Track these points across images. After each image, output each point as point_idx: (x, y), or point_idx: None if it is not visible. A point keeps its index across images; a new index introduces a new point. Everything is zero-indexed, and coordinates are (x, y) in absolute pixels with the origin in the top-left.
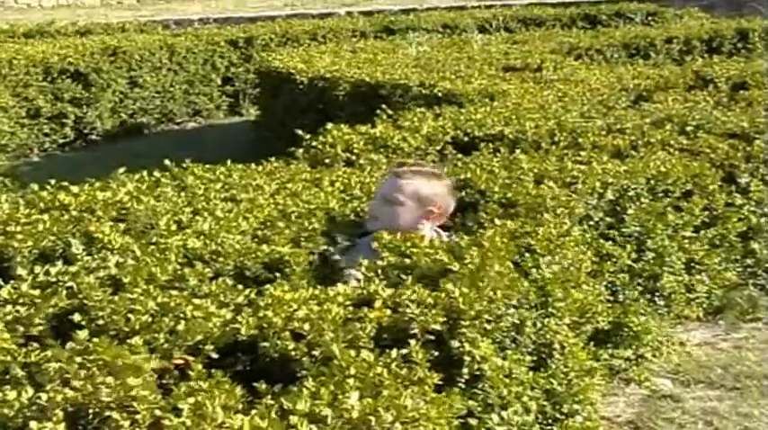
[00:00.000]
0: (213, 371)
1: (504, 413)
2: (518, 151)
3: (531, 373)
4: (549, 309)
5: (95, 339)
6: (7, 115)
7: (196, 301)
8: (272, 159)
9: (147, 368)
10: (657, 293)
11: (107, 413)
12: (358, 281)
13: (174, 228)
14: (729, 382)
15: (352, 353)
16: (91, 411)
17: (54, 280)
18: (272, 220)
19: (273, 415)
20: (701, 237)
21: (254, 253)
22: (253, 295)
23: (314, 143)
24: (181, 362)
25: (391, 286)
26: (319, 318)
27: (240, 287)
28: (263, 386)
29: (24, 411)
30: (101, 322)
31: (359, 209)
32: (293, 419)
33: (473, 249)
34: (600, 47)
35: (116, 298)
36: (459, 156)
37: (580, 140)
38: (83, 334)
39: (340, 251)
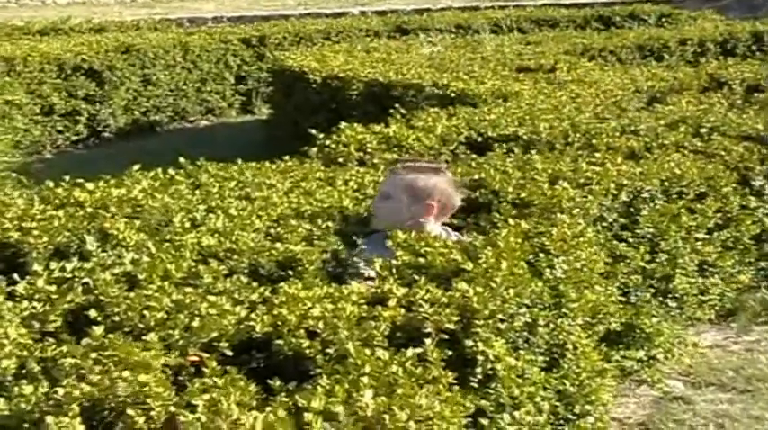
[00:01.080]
0: (228, 368)
1: (516, 413)
2: (532, 152)
3: (543, 374)
4: (562, 310)
5: (111, 335)
6: (21, 112)
7: (211, 299)
8: (286, 158)
9: (156, 365)
10: (670, 295)
11: (122, 408)
12: (372, 279)
13: (188, 225)
14: (741, 385)
15: (367, 351)
16: (107, 406)
17: (70, 276)
18: (286, 219)
19: (287, 412)
20: (714, 239)
21: (267, 251)
22: (267, 293)
23: (327, 142)
24: (195, 358)
25: (405, 285)
26: (334, 317)
27: (254, 285)
28: (278, 383)
29: (41, 405)
30: (116, 318)
31: (372, 208)
32: (308, 416)
33: (487, 249)
34: (613, 48)
35: (131, 294)
36: (473, 156)
37: (594, 142)
38: (98, 330)
39: (355, 250)
